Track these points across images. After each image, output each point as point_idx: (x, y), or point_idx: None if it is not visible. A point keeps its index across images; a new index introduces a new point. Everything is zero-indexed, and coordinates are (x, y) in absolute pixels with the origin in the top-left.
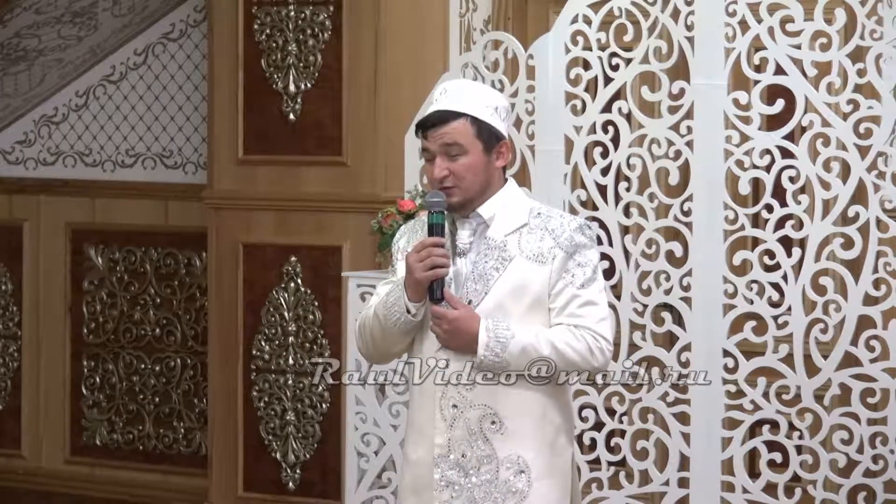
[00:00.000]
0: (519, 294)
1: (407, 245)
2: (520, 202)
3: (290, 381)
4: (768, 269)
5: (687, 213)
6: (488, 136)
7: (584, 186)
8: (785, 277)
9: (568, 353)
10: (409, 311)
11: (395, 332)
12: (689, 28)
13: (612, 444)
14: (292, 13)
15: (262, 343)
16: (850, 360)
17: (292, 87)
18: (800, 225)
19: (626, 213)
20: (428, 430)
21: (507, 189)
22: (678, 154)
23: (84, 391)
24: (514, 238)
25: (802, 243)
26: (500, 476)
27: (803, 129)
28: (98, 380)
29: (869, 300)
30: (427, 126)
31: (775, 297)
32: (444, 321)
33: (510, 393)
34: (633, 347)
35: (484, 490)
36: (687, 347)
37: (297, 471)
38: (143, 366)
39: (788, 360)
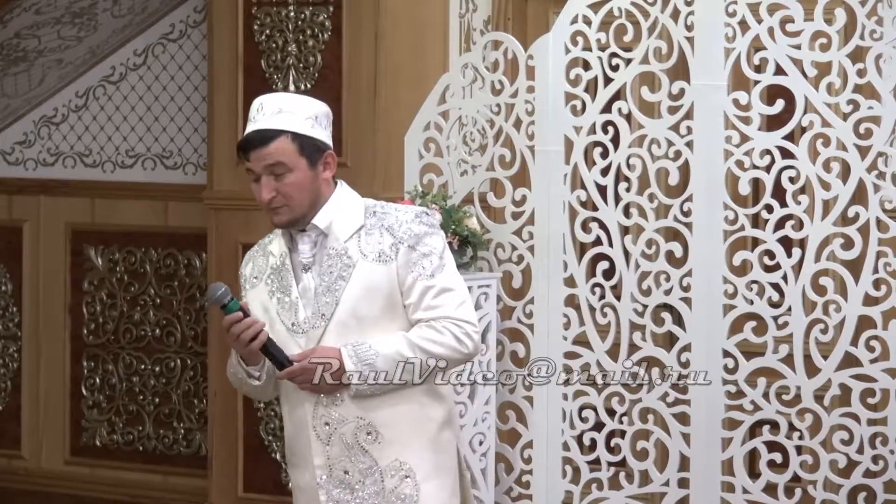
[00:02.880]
0: (370, 298)
1: (253, 272)
2: (354, 204)
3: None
4: (768, 269)
5: (687, 214)
6: (311, 151)
7: (583, 187)
8: (785, 278)
9: (435, 349)
10: (250, 376)
11: (253, 390)
12: (689, 28)
13: (612, 444)
14: (292, 14)
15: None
16: (850, 361)
17: (292, 88)
18: (800, 225)
19: (626, 213)
20: (307, 454)
21: (338, 193)
22: (678, 154)
23: (84, 392)
24: (353, 242)
25: (802, 243)
26: (386, 486)
27: (803, 130)
28: (98, 380)
29: (869, 300)
30: (249, 147)
31: (775, 297)
32: (301, 375)
33: (382, 399)
34: (634, 348)
35: (373, 503)
36: (687, 348)
37: None
38: (143, 366)
39: (788, 360)
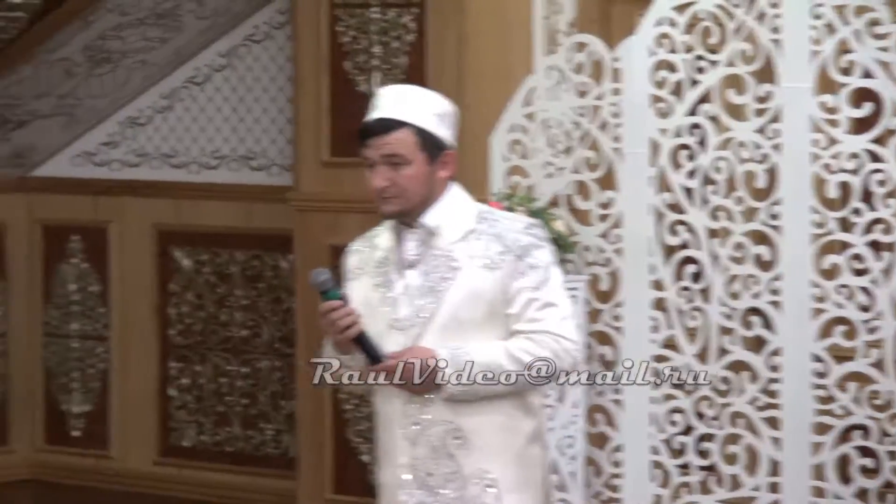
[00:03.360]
0: (472, 303)
1: (358, 264)
2: (465, 208)
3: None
4: (857, 272)
5: (775, 217)
6: (432, 147)
7: (670, 190)
8: (875, 282)
9: (533, 363)
10: (344, 365)
11: (347, 380)
12: (776, 31)
13: (701, 448)
14: (376, 15)
15: None
16: None
17: (376, 89)
18: (889, 229)
19: (714, 216)
20: (393, 452)
21: (451, 195)
22: (765, 157)
23: (172, 393)
24: (461, 246)
25: (892, 247)
26: (467, 493)
27: (891, 133)
28: (186, 381)
29: None
30: (369, 134)
31: (865, 301)
32: (394, 372)
33: (472, 405)
34: (723, 352)
35: None
36: (776, 352)
37: None
38: (230, 367)
39: (879, 364)
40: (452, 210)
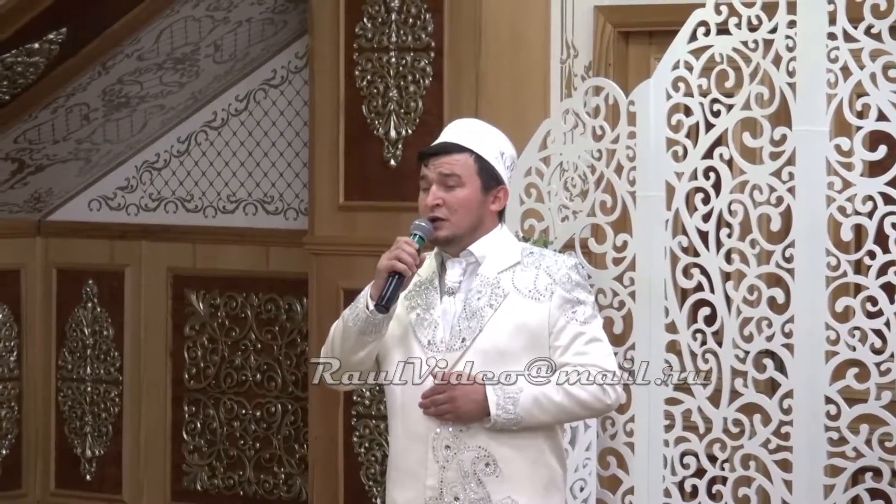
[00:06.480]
0: (515, 332)
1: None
2: (511, 243)
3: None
4: (871, 315)
5: (789, 260)
6: (488, 177)
7: (685, 233)
8: (888, 324)
9: (580, 395)
10: (367, 307)
11: (354, 331)
12: (791, 74)
13: (713, 491)
14: (393, 59)
15: (363, 389)
16: None
17: (393, 133)
18: None
19: (728, 259)
20: (419, 472)
21: (500, 230)
22: (780, 200)
23: (185, 436)
24: (507, 275)
25: None
26: None
27: None
28: (199, 425)
29: None
30: (430, 153)
31: (878, 343)
32: (446, 393)
33: (508, 435)
34: (735, 394)
35: None
36: (789, 394)
37: None
38: (243, 411)
39: (891, 406)
40: (499, 243)
